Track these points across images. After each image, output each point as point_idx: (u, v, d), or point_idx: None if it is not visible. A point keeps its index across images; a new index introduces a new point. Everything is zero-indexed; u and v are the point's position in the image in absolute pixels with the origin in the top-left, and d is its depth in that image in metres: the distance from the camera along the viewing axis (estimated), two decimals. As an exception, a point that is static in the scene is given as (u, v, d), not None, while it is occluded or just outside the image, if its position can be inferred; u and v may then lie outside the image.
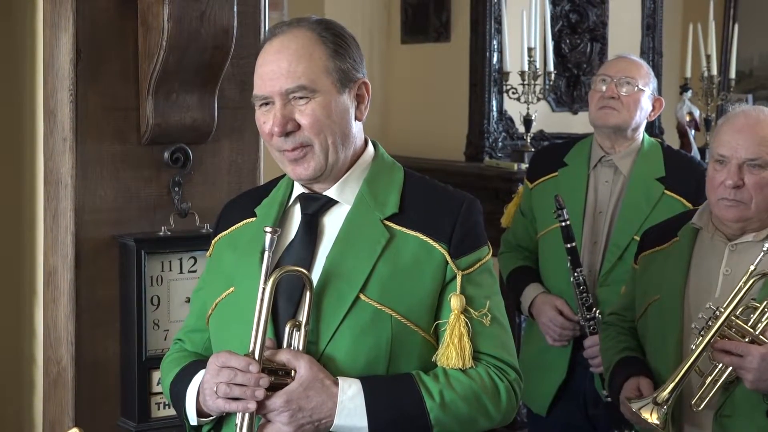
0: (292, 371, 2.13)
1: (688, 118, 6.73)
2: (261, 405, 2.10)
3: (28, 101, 3.16)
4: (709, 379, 2.77)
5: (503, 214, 4.18)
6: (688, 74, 6.70)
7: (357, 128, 2.28)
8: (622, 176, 3.76)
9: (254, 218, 2.34)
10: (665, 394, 2.74)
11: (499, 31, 6.03)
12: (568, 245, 3.65)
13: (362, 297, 2.17)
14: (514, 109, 6.09)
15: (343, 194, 2.27)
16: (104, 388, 3.01)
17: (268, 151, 3.28)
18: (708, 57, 6.58)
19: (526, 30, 5.75)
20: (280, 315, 2.19)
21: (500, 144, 6.17)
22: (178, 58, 2.90)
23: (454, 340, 2.18)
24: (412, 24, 6.51)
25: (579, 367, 3.73)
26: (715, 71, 6.59)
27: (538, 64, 5.84)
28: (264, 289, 2.14)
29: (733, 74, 6.62)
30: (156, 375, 2.96)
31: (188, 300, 3.02)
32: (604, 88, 3.77)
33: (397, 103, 6.48)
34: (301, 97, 2.18)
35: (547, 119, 6.29)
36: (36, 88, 3.12)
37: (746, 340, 2.73)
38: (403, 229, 2.23)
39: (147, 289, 2.96)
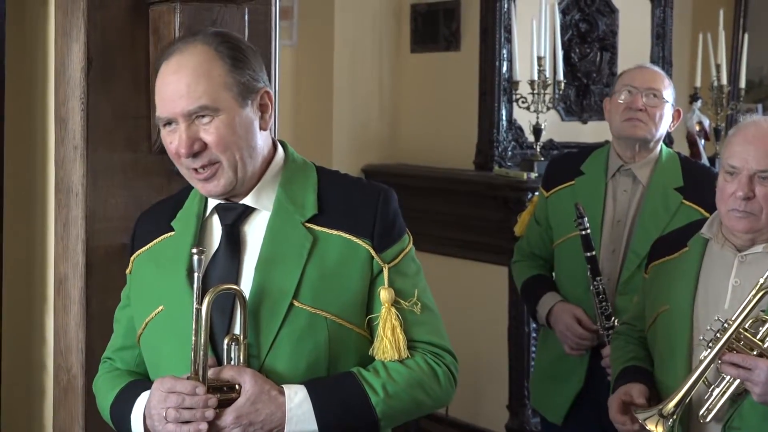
0: (237, 386, 2.15)
1: (697, 128, 6.73)
2: (212, 425, 2.13)
3: (39, 109, 3.17)
4: (717, 391, 2.76)
5: (514, 223, 4.18)
6: (698, 84, 6.70)
7: (263, 138, 2.29)
8: (640, 186, 3.76)
9: (172, 233, 2.34)
10: (671, 406, 2.73)
11: (509, 40, 6.03)
12: (588, 254, 3.65)
13: (296, 303, 2.20)
14: (524, 118, 6.09)
15: (260, 201, 2.28)
16: (114, 396, 3.00)
17: (278, 160, 3.29)
18: (718, 66, 6.58)
19: (535, 39, 5.75)
20: (215, 330, 2.21)
21: (510, 153, 6.16)
22: (189, 67, 2.90)
23: (387, 333, 2.22)
24: (422, 33, 6.51)
25: (596, 376, 3.72)
26: (724, 81, 6.58)
27: (548, 73, 5.84)
28: (199, 309, 2.15)
29: (742, 84, 6.61)
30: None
31: (198, 308, 3.03)
32: (629, 99, 3.76)
33: (407, 112, 6.48)
34: (203, 116, 2.18)
35: (557, 128, 6.28)
36: (47, 97, 3.13)
37: (755, 353, 2.72)
38: (325, 230, 2.25)
39: (157, 298, 2.95)
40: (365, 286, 2.26)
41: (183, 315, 2.20)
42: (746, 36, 6.88)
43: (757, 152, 2.82)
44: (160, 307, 2.29)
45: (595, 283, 3.64)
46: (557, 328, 3.75)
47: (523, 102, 5.92)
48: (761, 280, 2.72)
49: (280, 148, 2.36)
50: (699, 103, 6.78)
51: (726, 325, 2.72)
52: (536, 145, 5.96)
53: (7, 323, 3.19)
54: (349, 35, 6.45)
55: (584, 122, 6.44)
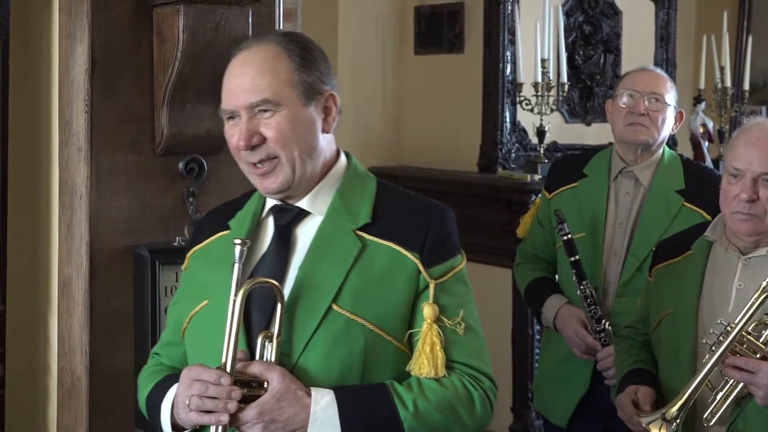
0: (265, 383, 2.13)
1: (701, 130, 6.73)
2: (234, 417, 2.11)
3: (43, 111, 3.17)
4: (721, 394, 2.75)
5: (517, 225, 4.17)
6: (702, 86, 6.70)
7: (325, 140, 2.29)
8: (642, 188, 3.75)
9: (228, 231, 2.34)
10: (674, 410, 2.72)
11: (513, 43, 6.03)
12: (572, 259, 3.66)
13: (334, 307, 2.18)
14: (528, 120, 6.09)
15: (315, 205, 2.28)
16: (118, 398, 3.01)
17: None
18: (722, 68, 6.57)
19: (539, 41, 5.75)
20: (253, 327, 2.20)
21: (513, 155, 6.16)
22: (193, 69, 2.90)
23: (426, 349, 2.19)
24: (426, 35, 6.51)
25: (600, 379, 3.72)
26: (728, 83, 6.58)
27: (552, 75, 5.84)
28: (234, 301, 2.15)
29: (746, 86, 6.61)
30: (170, 385, 2.96)
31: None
32: (631, 103, 3.75)
33: (411, 114, 6.48)
34: (265, 110, 2.20)
35: (561, 130, 6.28)
36: (51, 99, 3.13)
37: (758, 356, 2.72)
38: (375, 239, 2.23)
39: (161, 300, 2.96)
40: (409, 300, 2.22)
41: (224, 308, 2.17)
42: (750, 38, 6.88)
43: (761, 154, 2.82)
44: (205, 302, 2.28)
45: (581, 287, 3.65)
46: (565, 333, 3.74)
47: (526, 104, 5.92)
48: (764, 284, 2.72)
49: (343, 156, 2.35)
50: (703, 105, 6.78)
51: (729, 328, 2.71)
52: (540, 147, 5.95)
53: (12, 325, 3.20)
54: (352, 37, 6.45)
55: (588, 124, 6.44)
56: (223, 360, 2.13)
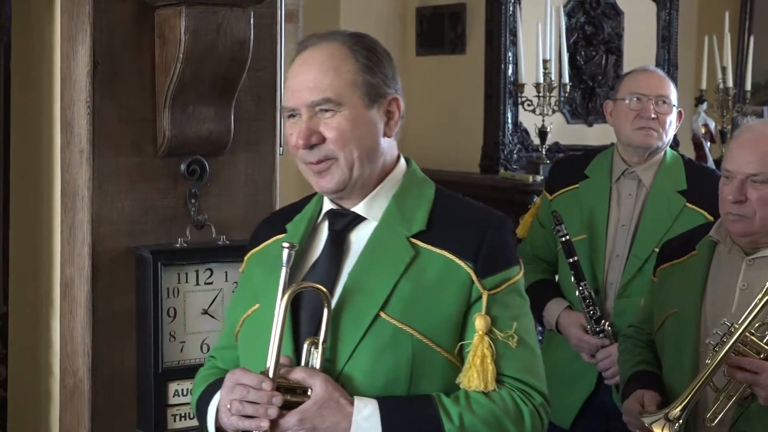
0: (309, 390, 2.09)
1: (703, 131, 6.73)
2: (275, 423, 2.07)
3: (45, 113, 3.17)
4: (724, 394, 2.76)
5: (518, 226, 4.17)
6: (704, 86, 6.70)
7: (386, 144, 2.24)
8: (645, 189, 3.74)
9: (284, 234, 2.30)
10: (677, 410, 2.72)
11: (515, 43, 6.03)
12: (570, 260, 3.65)
13: (382, 315, 2.12)
14: (529, 121, 6.09)
15: (371, 210, 2.23)
16: (121, 400, 3.01)
17: (284, 163, 3.30)
18: (723, 69, 6.58)
19: (541, 42, 5.76)
20: (301, 332, 2.16)
21: (515, 156, 6.17)
22: (195, 71, 2.90)
23: (476, 362, 2.12)
24: (428, 36, 6.52)
25: (603, 380, 3.72)
26: (730, 83, 6.58)
27: (554, 76, 5.84)
28: (279, 305, 2.12)
29: (748, 86, 6.62)
30: (172, 387, 2.97)
31: (204, 312, 3.04)
32: (639, 107, 3.73)
33: (412, 115, 6.45)
34: (327, 110, 2.16)
35: (562, 131, 6.29)
36: (53, 100, 3.13)
37: (761, 356, 2.72)
38: (429, 247, 2.18)
39: (163, 301, 2.96)
40: (460, 310, 2.16)
41: (272, 312, 2.15)
42: (752, 38, 6.89)
43: (749, 156, 2.84)
44: (257, 305, 2.26)
45: (580, 288, 3.64)
46: (571, 342, 3.73)
47: (528, 105, 5.93)
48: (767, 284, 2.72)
49: (402, 161, 2.31)
50: (705, 106, 6.79)
51: (732, 328, 2.71)
52: (542, 148, 5.96)
53: (14, 327, 3.20)
54: (354, 38, 6.45)
55: (590, 125, 6.44)
56: (267, 364, 2.10)
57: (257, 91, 3.14)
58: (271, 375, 2.09)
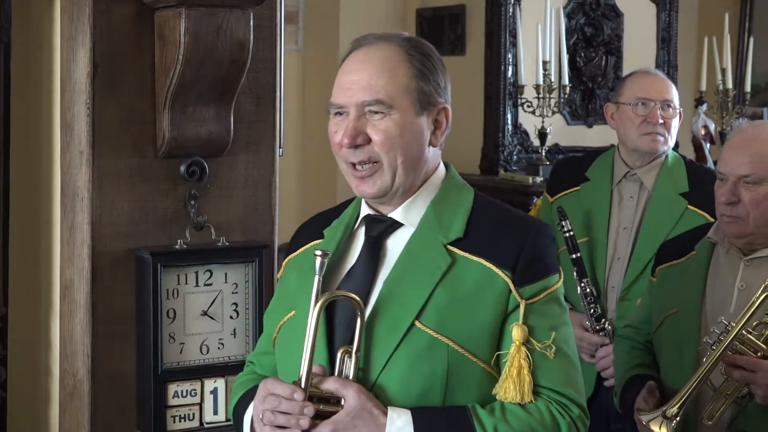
0: (341, 399, 2.07)
1: (703, 132, 6.74)
2: None
3: (45, 115, 3.17)
4: (721, 393, 2.76)
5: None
6: (703, 87, 6.71)
7: (431, 153, 2.22)
8: (646, 191, 3.73)
9: (321, 239, 2.28)
10: (674, 408, 2.72)
11: (514, 45, 6.04)
12: (573, 256, 3.64)
13: (417, 324, 2.09)
14: (529, 122, 6.10)
15: (409, 216, 2.20)
16: (120, 401, 3.01)
17: (283, 165, 3.30)
18: (723, 70, 6.58)
19: (541, 43, 5.76)
20: (336, 340, 2.13)
21: (515, 157, 6.18)
22: (195, 72, 2.91)
23: (513, 373, 2.09)
24: (427, 37, 6.50)
25: (602, 380, 3.71)
26: (730, 84, 6.59)
27: (553, 77, 5.85)
28: (312, 313, 2.09)
29: (748, 87, 6.62)
30: (172, 388, 2.97)
31: (204, 313, 3.04)
32: (645, 112, 3.70)
33: (412, 117, 6.48)
34: (376, 112, 2.13)
35: (562, 132, 6.29)
36: (53, 102, 3.14)
37: (758, 355, 2.72)
38: (466, 255, 2.14)
39: (163, 302, 2.96)
40: (497, 320, 2.12)
41: (306, 320, 2.13)
42: (751, 40, 6.89)
43: (740, 157, 2.85)
44: (293, 312, 2.24)
45: (582, 284, 3.63)
46: None
47: (528, 106, 5.93)
48: (766, 283, 2.73)
49: (442, 166, 2.28)
50: (704, 107, 6.79)
51: (729, 327, 2.72)
52: (542, 149, 5.97)
53: (13, 328, 3.20)
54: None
55: (590, 126, 6.45)
56: (300, 373, 2.08)
57: (257, 92, 3.14)
58: (303, 385, 2.07)
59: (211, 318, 3.05)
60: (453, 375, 2.09)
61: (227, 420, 3.03)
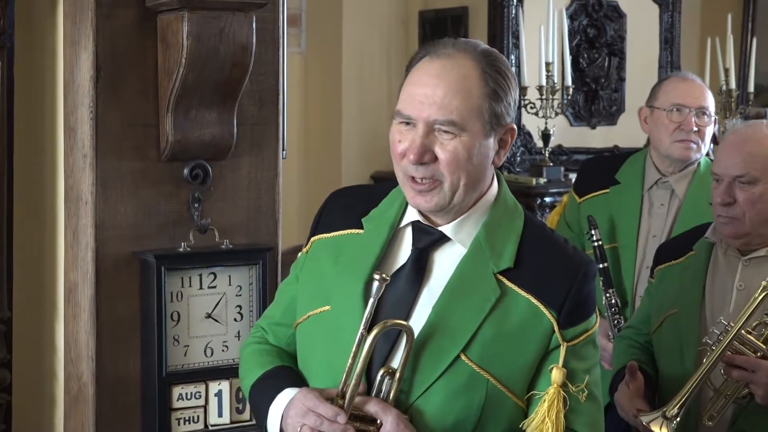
0: (378, 422, 2.06)
1: (706, 132, 6.72)
2: None
3: (48, 118, 3.18)
4: (721, 393, 2.76)
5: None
6: (707, 88, 6.69)
7: (490, 171, 2.19)
8: (677, 199, 3.68)
9: (360, 231, 2.24)
10: (674, 409, 2.72)
11: (517, 46, 6.04)
12: (600, 266, 3.59)
13: (462, 357, 2.08)
14: (532, 123, 6.10)
15: (459, 233, 2.16)
16: (125, 404, 3.01)
17: (286, 168, 3.31)
18: (726, 71, 6.58)
19: (543, 45, 5.76)
20: (373, 356, 2.10)
21: (518, 158, 6.18)
22: (198, 75, 2.91)
23: (552, 416, 2.08)
24: (430, 39, 6.52)
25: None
26: (733, 85, 6.59)
27: (556, 78, 5.85)
28: (363, 336, 2.07)
29: (751, 88, 6.62)
30: (176, 390, 2.97)
31: (208, 316, 3.04)
32: (680, 119, 3.65)
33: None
34: (446, 131, 2.08)
35: (566, 134, 6.29)
36: (56, 105, 3.14)
37: (758, 354, 2.72)
38: (516, 288, 2.12)
39: (167, 305, 2.97)
40: (537, 358, 2.11)
41: (347, 328, 2.11)
42: (755, 40, 6.89)
43: (734, 158, 2.86)
44: (327, 307, 2.20)
45: (607, 295, 3.60)
46: None
47: (531, 107, 5.93)
48: (764, 283, 2.73)
49: (495, 184, 2.22)
50: (708, 108, 6.77)
51: (729, 327, 2.72)
52: (545, 151, 5.96)
53: (18, 332, 3.20)
54: (357, 42, 6.47)
55: (593, 127, 6.44)
56: (341, 388, 2.08)
57: (260, 95, 3.15)
58: (346, 405, 2.06)
59: (215, 320, 3.05)
60: (488, 408, 2.09)
61: (232, 422, 3.04)
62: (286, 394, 2.18)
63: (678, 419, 2.70)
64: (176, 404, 2.98)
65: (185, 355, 3.01)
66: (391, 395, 2.08)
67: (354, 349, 2.07)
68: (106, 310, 2.98)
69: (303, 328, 2.27)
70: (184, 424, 3.00)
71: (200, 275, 3.03)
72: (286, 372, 2.27)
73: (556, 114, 5.95)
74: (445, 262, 2.16)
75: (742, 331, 2.71)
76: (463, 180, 2.10)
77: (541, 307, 2.11)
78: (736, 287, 2.86)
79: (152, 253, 2.97)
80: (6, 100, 3.11)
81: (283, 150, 3.23)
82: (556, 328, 2.11)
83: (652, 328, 3.05)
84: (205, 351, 3.03)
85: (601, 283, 3.61)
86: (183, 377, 2.99)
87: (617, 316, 3.59)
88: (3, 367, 3.12)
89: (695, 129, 3.65)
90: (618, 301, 3.59)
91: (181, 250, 3.02)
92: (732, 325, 2.71)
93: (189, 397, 3.00)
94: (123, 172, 2.98)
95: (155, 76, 3.00)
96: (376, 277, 2.08)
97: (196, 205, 3.06)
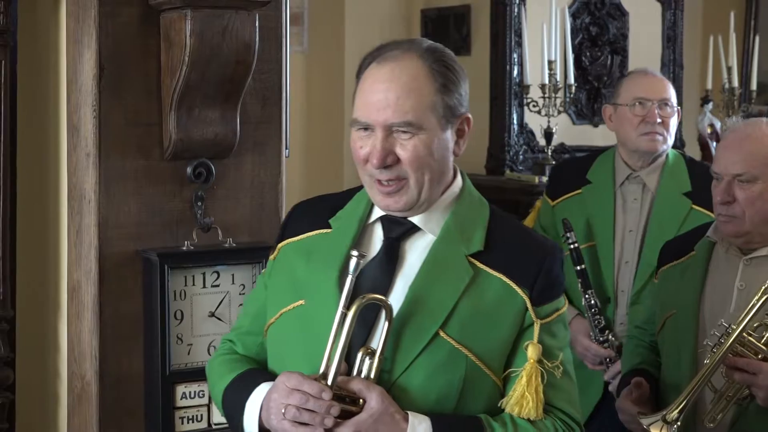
0: (361, 400, 2.08)
1: (709, 130, 6.73)
2: None
3: (52, 117, 3.18)
4: (722, 395, 2.75)
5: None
6: (709, 86, 6.70)
7: (451, 162, 2.24)
8: (650, 193, 3.72)
9: (328, 230, 2.28)
10: (675, 412, 2.72)
11: (520, 45, 6.04)
12: (578, 267, 3.63)
13: (441, 333, 2.12)
14: (535, 122, 6.10)
15: (429, 223, 2.22)
16: (128, 403, 3.01)
17: (289, 166, 3.31)
18: (729, 69, 6.58)
19: (546, 43, 5.76)
20: (352, 339, 2.12)
21: (521, 157, 6.17)
22: (201, 74, 2.91)
23: (531, 390, 2.13)
24: (432, 38, 6.49)
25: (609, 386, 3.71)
26: (736, 83, 6.59)
27: (559, 77, 5.85)
28: (344, 314, 2.09)
29: (754, 86, 6.62)
30: (180, 389, 2.97)
31: (211, 314, 3.03)
32: (643, 111, 3.70)
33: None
34: (404, 132, 2.13)
35: (568, 132, 6.29)
36: (60, 104, 3.14)
37: (759, 357, 2.72)
38: (487, 269, 2.18)
39: (170, 304, 2.97)
40: (512, 336, 2.17)
41: (324, 315, 2.14)
42: (757, 38, 6.89)
43: (733, 156, 2.85)
44: (301, 301, 2.23)
45: (586, 296, 3.63)
46: (576, 349, 3.72)
47: (534, 106, 5.93)
48: (766, 285, 2.72)
49: (459, 177, 2.30)
50: (710, 106, 6.79)
51: (730, 329, 2.71)
52: (548, 149, 5.96)
53: (21, 330, 3.20)
54: (359, 41, 6.46)
55: (595, 125, 6.44)
56: (323, 370, 2.09)
57: (263, 93, 3.15)
58: (329, 383, 2.08)
59: (219, 319, 3.05)
60: (468, 385, 2.13)
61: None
62: (263, 388, 2.20)
63: (679, 423, 2.70)
64: (179, 403, 2.98)
65: (189, 353, 3.01)
66: (373, 374, 2.11)
67: (334, 329, 2.10)
68: (110, 308, 2.98)
69: (275, 328, 2.29)
70: (188, 422, 3.00)
71: (203, 274, 3.03)
72: (260, 372, 2.28)
73: (559, 112, 5.94)
74: (417, 250, 2.21)
75: (744, 334, 2.71)
76: (427, 175, 2.16)
77: (514, 286, 2.17)
78: (737, 287, 2.86)
79: (155, 252, 2.96)
80: (9, 99, 3.11)
81: (286, 148, 3.24)
82: (529, 305, 2.17)
83: (656, 328, 3.05)
84: (208, 349, 3.03)
85: (579, 285, 3.64)
86: (186, 376, 2.99)
87: (597, 317, 3.62)
88: (6, 365, 3.12)
89: (659, 120, 3.70)
90: (597, 302, 3.63)
91: (184, 248, 3.02)
92: (733, 327, 2.71)
93: (192, 395, 3.00)
94: (126, 170, 2.98)
95: (158, 74, 3.00)
96: (354, 253, 2.12)
97: (200, 203, 3.06)
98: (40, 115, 3.20)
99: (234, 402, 2.26)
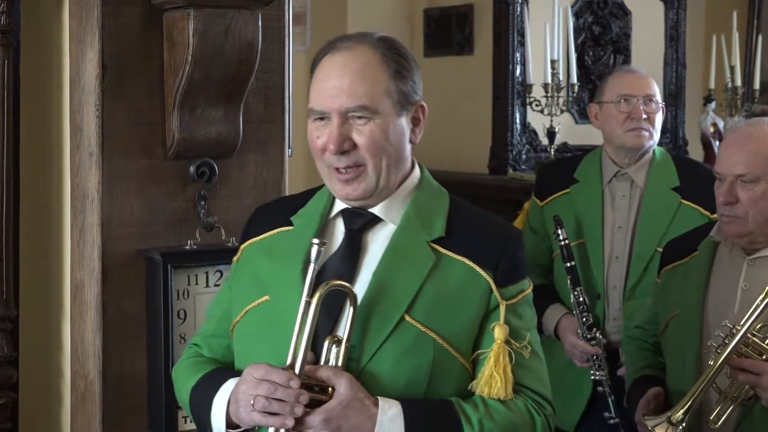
0: (330, 389, 2.09)
1: (712, 129, 6.73)
2: (299, 421, 2.07)
3: (54, 116, 3.18)
4: (726, 396, 2.75)
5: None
6: (712, 85, 6.70)
7: (408, 151, 2.27)
8: (638, 189, 3.74)
9: (290, 227, 2.30)
10: (680, 414, 2.71)
11: (522, 44, 6.04)
12: (568, 264, 3.65)
13: (407, 318, 2.14)
14: (538, 121, 6.10)
15: (389, 213, 2.24)
16: (131, 402, 3.02)
17: (292, 165, 3.31)
18: (732, 68, 6.58)
19: (549, 42, 5.76)
20: (318, 329, 2.14)
21: (524, 156, 6.17)
22: (204, 73, 2.91)
23: (499, 370, 2.15)
24: (435, 37, 6.52)
25: (597, 388, 3.71)
26: (739, 82, 6.58)
27: (561, 76, 5.84)
28: (308, 302, 2.10)
29: (757, 85, 6.62)
30: (183, 388, 2.97)
31: (214, 313, 3.04)
32: (628, 108, 3.72)
33: (420, 116, 6.49)
34: (360, 117, 2.16)
35: (571, 131, 6.29)
36: (62, 104, 3.14)
37: (763, 357, 2.71)
38: (450, 253, 2.20)
39: (173, 303, 2.97)
40: (479, 318, 2.19)
41: (288, 307, 2.15)
42: (760, 37, 6.89)
43: (736, 157, 2.84)
44: (266, 297, 2.24)
45: (575, 293, 3.64)
46: (565, 346, 3.73)
47: (536, 105, 5.93)
48: None
49: (417, 168, 2.32)
50: (713, 105, 6.79)
51: (734, 330, 2.70)
52: (550, 148, 5.96)
53: (24, 330, 3.20)
54: (362, 40, 6.46)
55: (598, 125, 6.42)
56: (290, 361, 2.10)
57: (266, 92, 3.15)
58: (297, 372, 2.08)
59: (222, 318, 3.05)
60: (436, 369, 2.15)
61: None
62: (230, 384, 2.20)
63: (684, 424, 2.69)
64: (183, 402, 2.98)
65: (192, 352, 3.00)
66: (340, 362, 2.12)
67: (299, 319, 2.10)
68: (113, 308, 2.98)
69: (241, 326, 2.30)
70: (191, 422, 2.99)
71: (206, 273, 3.04)
72: (227, 370, 2.29)
73: (562, 111, 5.93)
74: (380, 240, 2.24)
75: (748, 334, 2.70)
76: (384, 161, 2.19)
77: (477, 268, 2.19)
78: (740, 287, 2.85)
79: (158, 251, 2.97)
80: (12, 98, 3.11)
81: (288, 148, 3.24)
82: (493, 287, 2.19)
83: (659, 330, 3.05)
84: (211, 349, 3.03)
85: (569, 281, 3.66)
86: (189, 375, 2.99)
87: (586, 314, 3.64)
88: (9, 365, 3.12)
89: (645, 116, 3.72)
90: (586, 299, 3.63)
91: (187, 248, 3.02)
92: (737, 328, 2.70)
93: (195, 395, 2.99)
94: (129, 170, 2.99)
95: (161, 73, 3.00)
96: (315, 241, 2.13)
97: (203, 203, 3.06)
98: (43, 115, 3.20)
99: (201, 401, 2.26)
